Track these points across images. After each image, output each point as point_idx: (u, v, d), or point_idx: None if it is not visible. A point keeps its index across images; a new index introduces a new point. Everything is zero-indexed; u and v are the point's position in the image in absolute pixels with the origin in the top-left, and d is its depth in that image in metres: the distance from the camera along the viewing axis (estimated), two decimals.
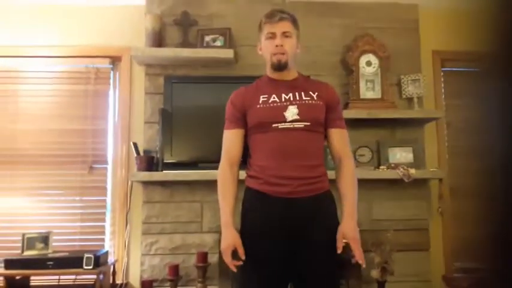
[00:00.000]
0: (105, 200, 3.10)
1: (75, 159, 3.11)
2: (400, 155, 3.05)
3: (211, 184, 2.97)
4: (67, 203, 3.08)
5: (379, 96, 3.06)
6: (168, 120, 2.90)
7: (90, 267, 2.57)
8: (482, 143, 0.71)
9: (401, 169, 2.89)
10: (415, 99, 3.09)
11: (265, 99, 1.77)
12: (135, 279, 2.98)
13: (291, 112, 1.72)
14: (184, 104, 2.94)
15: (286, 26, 1.78)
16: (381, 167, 2.99)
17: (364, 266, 1.65)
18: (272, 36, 1.77)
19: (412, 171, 2.88)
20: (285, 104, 1.75)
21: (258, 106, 1.76)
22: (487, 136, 0.70)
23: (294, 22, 1.82)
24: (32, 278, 2.83)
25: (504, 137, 0.68)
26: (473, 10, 0.70)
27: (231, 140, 1.81)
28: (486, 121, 0.70)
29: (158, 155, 2.90)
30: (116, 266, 2.95)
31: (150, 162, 2.90)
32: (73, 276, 2.87)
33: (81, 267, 2.59)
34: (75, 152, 3.12)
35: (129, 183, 3.02)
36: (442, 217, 3.12)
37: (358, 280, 2.88)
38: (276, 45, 1.76)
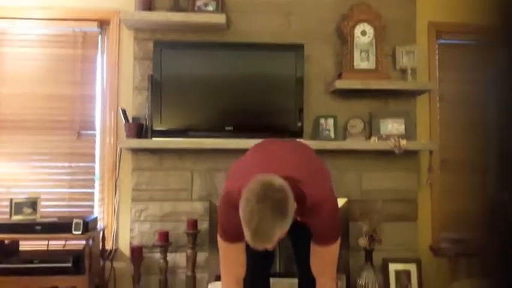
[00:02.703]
0: (93, 167, 3.07)
1: (63, 125, 3.06)
2: (392, 126, 3.04)
3: (201, 152, 2.98)
4: (55, 169, 3.04)
5: (373, 66, 3.02)
6: (158, 87, 2.84)
7: (79, 232, 2.57)
8: (479, 116, 0.70)
9: (393, 140, 2.89)
10: (409, 71, 3.05)
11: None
12: (124, 245, 2.99)
13: None
14: (174, 70, 2.87)
15: (272, 244, 1.46)
16: (372, 137, 2.98)
17: None
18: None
19: (403, 142, 2.89)
20: None
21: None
22: (483, 109, 0.69)
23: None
24: (21, 242, 2.83)
25: (501, 110, 0.66)
26: None
27: (234, 256, 1.66)
28: (484, 94, 0.68)
29: (147, 122, 2.86)
30: (106, 232, 2.96)
31: (139, 130, 2.87)
32: (62, 242, 2.87)
33: (70, 232, 2.58)
34: (62, 117, 3.06)
35: (118, 150, 2.99)
36: (431, 189, 3.15)
37: (346, 249, 2.93)
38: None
